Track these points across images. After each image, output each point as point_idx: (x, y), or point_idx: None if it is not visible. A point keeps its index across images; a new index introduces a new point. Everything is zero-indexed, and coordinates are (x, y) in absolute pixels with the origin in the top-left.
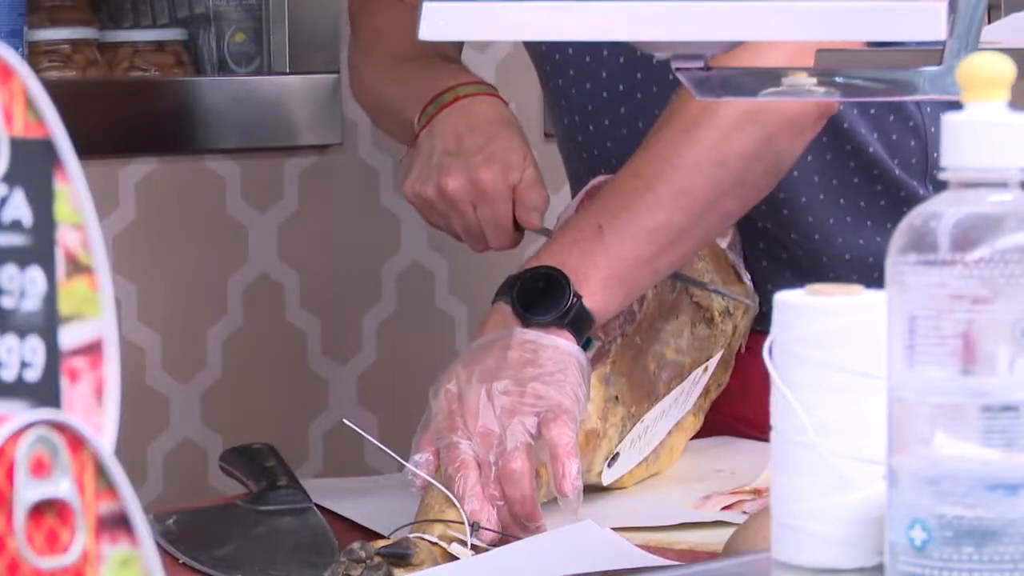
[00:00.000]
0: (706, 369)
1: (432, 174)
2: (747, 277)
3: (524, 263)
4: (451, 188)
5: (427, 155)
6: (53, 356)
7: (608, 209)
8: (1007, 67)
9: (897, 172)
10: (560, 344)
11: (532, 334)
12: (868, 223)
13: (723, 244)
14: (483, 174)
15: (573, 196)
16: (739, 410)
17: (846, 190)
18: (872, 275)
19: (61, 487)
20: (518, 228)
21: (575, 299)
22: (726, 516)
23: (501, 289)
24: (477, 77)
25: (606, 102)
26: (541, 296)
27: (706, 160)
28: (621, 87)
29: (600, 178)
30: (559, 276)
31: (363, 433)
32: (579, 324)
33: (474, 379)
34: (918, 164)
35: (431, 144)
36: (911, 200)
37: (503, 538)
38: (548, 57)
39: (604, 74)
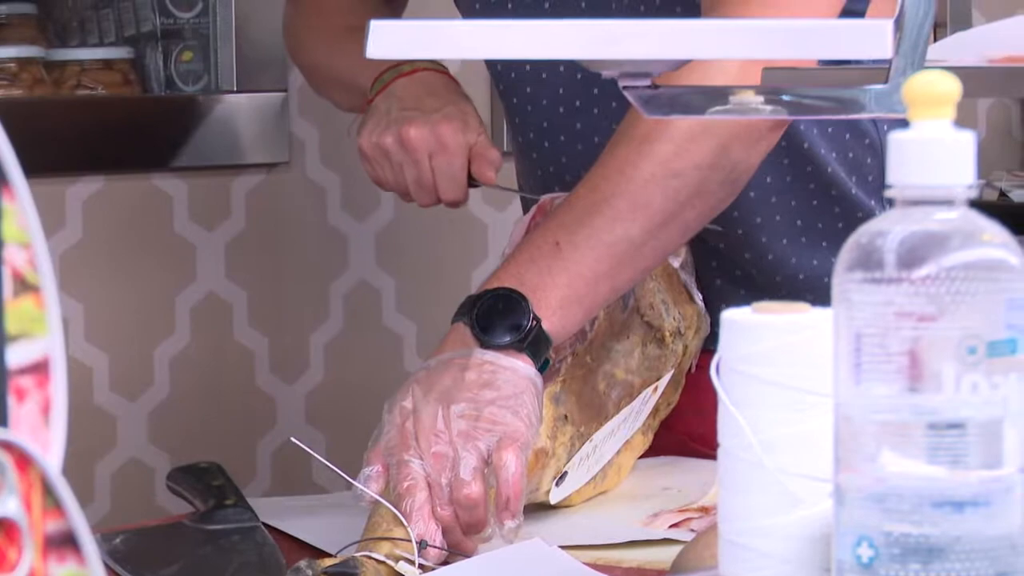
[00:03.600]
0: (656, 389)
1: (392, 125)
2: (699, 297)
3: (483, 282)
4: (412, 136)
5: (384, 112)
6: (0, 375)
7: (564, 225)
8: (953, 85)
9: (855, 192)
10: (518, 367)
11: (490, 355)
12: (823, 244)
13: (675, 264)
14: (444, 127)
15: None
16: (692, 428)
17: (803, 211)
18: (827, 295)
19: (8, 506)
20: (470, 185)
21: (534, 322)
22: (674, 534)
23: (460, 309)
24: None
25: (562, 118)
26: (500, 316)
27: (662, 172)
28: (577, 103)
29: (550, 195)
30: (518, 298)
31: (311, 451)
32: (537, 346)
33: (431, 398)
34: (875, 182)
35: (389, 104)
36: (868, 220)
37: (450, 556)
38: (504, 75)
39: (560, 90)
